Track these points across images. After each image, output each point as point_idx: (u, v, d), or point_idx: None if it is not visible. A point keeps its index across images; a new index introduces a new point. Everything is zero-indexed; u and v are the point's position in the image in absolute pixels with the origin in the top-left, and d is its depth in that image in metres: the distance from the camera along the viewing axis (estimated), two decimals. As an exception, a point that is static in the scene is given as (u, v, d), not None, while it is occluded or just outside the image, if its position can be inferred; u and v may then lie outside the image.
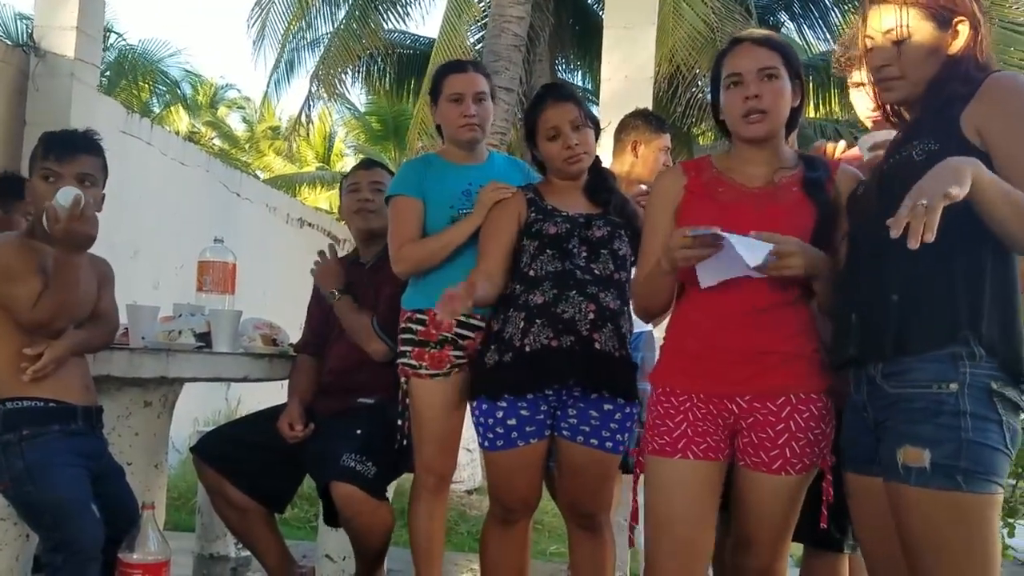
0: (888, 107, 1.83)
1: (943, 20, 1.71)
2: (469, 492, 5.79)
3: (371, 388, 2.71)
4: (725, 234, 1.77)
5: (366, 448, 2.55)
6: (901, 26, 1.73)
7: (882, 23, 1.75)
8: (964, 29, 1.71)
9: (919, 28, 1.72)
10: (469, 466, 5.80)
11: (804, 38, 10.85)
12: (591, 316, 2.30)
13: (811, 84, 9.83)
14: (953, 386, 1.58)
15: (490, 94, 2.62)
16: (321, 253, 2.95)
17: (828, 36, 10.62)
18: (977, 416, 1.56)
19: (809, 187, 1.94)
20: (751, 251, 1.76)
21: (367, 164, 3.06)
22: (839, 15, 10.55)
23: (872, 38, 1.77)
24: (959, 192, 1.42)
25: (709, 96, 2.08)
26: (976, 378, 1.57)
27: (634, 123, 3.15)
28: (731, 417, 1.93)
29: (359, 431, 2.60)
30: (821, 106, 10.23)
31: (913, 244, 1.38)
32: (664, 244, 1.90)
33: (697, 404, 1.94)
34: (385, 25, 9.35)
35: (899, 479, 1.60)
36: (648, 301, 2.07)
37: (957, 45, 1.71)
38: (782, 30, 10.88)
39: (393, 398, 2.58)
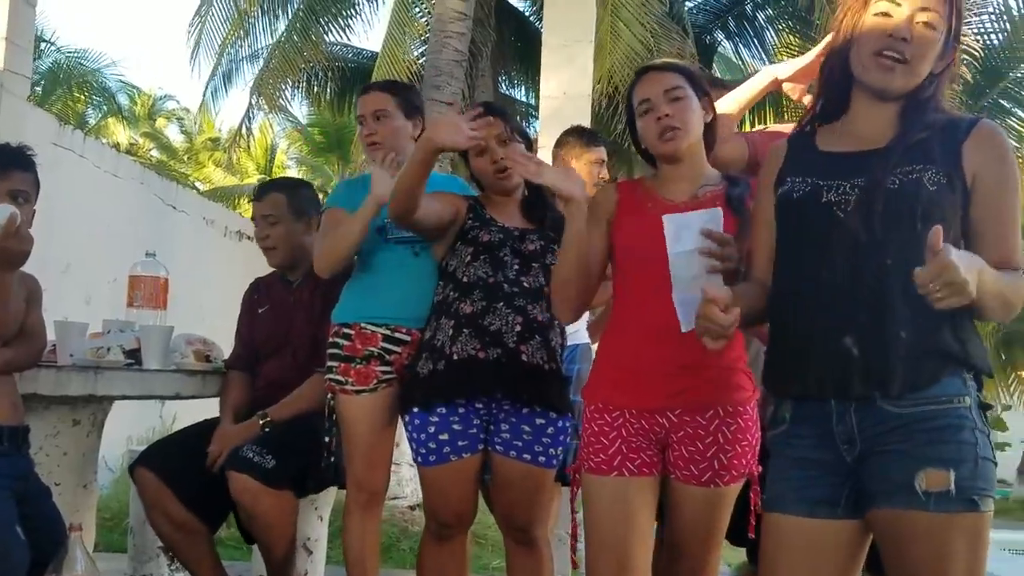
0: (823, 100, 1.72)
1: (952, 34, 1.62)
2: (412, 508, 5.77)
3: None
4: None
5: (267, 441, 2.56)
6: (936, 12, 1.60)
7: None
8: (954, 57, 1.66)
9: (941, 27, 1.61)
10: (411, 481, 5.77)
11: (740, 57, 11.12)
12: (518, 328, 2.34)
13: (746, 102, 10.03)
14: (968, 400, 1.55)
15: (404, 110, 2.61)
16: None
17: (763, 55, 10.89)
18: (983, 431, 1.55)
19: (732, 202, 2.02)
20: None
21: (259, 193, 2.98)
22: (774, 34, 10.83)
23: (898, 5, 1.60)
24: (968, 302, 1.42)
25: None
26: (974, 391, 1.58)
27: (567, 139, 3.23)
28: (662, 431, 1.99)
29: (267, 429, 2.62)
30: (756, 123, 10.48)
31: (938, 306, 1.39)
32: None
33: (629, 420, 1.99)
34: (327, 38, 9.31)
35: (914, 506, 1.50)
36: (562, 296, 2.10)
37: (942, 65, 1.64)
38: (718, 49, 11.14)
39: (323, 411, 2.57)
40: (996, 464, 1.59)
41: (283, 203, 2.86)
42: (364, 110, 2.62)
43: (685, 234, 1.86)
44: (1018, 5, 10.45)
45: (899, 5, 1.59)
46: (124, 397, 2.70)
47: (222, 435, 2.72)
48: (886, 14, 1.60)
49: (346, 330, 2.52)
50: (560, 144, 3.26)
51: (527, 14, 9.52)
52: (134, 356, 2.71)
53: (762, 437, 1.99)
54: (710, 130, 2.09)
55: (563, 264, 2.07)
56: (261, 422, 2.66)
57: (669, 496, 2.03)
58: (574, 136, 3.24)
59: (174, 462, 2.72)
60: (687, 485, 1.99)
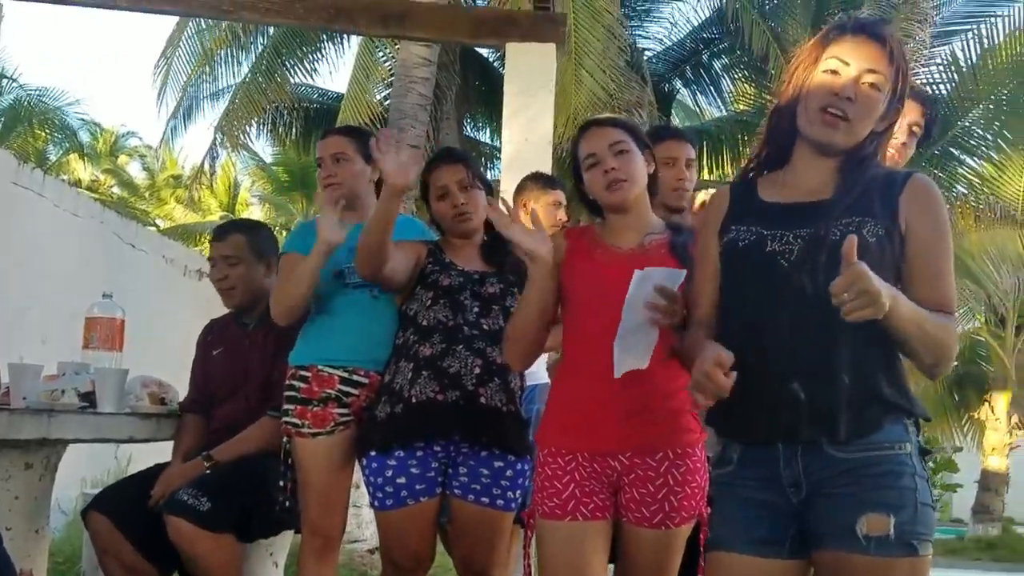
0: (762, 155, 1.79)
1: (897, 95, 1.68)
2: (371, 551, 5.71)
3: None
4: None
5: (205, 483, 2.54)
6: (882, 75, 1.65)
7: (864, 58, 1.64)
8: (898, 119, 1.71)
9: (886, 88, 1.66)
10: (371, 524, 5.72)
11: (697, 104, 11.41)
12: (477, 371, 2.37)
13: (704, 148, 10.31)
14: (908, 446, 1.60)
15: (362, 154, 2.63)
16: None
17: (720, 102, 11.18)
18: (922, 476, 1.60)
19: (675, 250, 2.10)
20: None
21: (219, 233, 2.98)
22: (730, 82, 11.13)
23: (846, 64, 1.65)
24: (880, 315, 1.48)
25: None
26: (914, 437, 1.62)
27: (525, 184, 3.30)
28: (614, 474, 2.03)
29: (209, 471, 2.61)
30: (715, 169, 10.71)
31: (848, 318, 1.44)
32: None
33: (582, 463, 2.03)
34: (292, 79, 9.38)
35: (856, 549, 1.55)
36: (516, 340, 2.15)
37: (884, 124, 1.70)
38: (677, 96, 11.41)
39: (277, 453, 2.57)
40: (935, 509, 1.65)
41: (244, 244, 2.87)
42: (323, 152, 2.67)
43: (646, 286, 1.91)
44: (965, 56, 10.88)
45: (847, 64, 1.65)
46: (78, 440, 2.67)
47: (166, 477, 2.70)
48: (835, 72, 1.66)
49: (303, 372, 2.53)
50: (519, 189, 3.33)
51: (491, 60, 9.67)
52: (89, 399, 2.69)
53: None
54: (653, 181, 2.18)
55: (522, 319, 2.12)
56: (205, 464, 2.65)
57: (621, 539, 2.07)
58: (532, 180, 3.31)
59: (126, 506, 2.68)
60: (639, 527, 2.03)
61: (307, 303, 2.55)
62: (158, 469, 2.83)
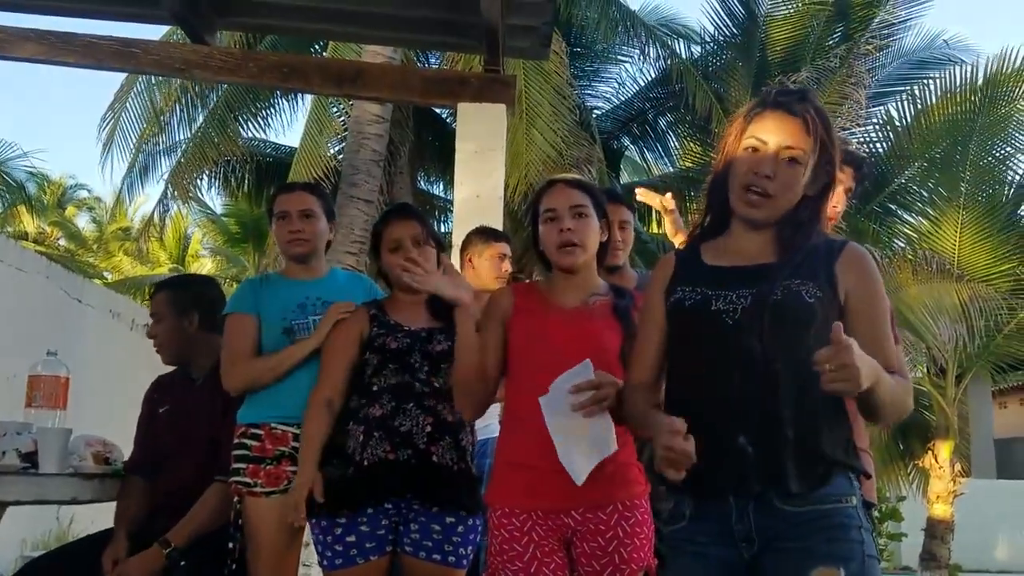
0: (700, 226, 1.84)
1: (826, 163, 1.72)
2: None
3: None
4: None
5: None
6: (800, 148, 1.70)
7: (781, 134, 1.70)
8: (833, 181, 1.76)
9: (806, 159, 1.71)
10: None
11: (644, 160, 11.68)
12: (428, 429, 2.38)
13: (652, 203, 10.49)
14: (854, 499, 1.65)
15: (325, 213, 2.70)
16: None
17: (667, 158, 11.45)
18: (867, 529, 1.65)
19: (618, 312, 2.17)
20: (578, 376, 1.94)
21: (154, 290, 3.04)
22: (675, 139, 11.42)
23: (765, 143, 1.71)
24: (855, 392, 1.52)
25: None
26: (859, 491, 1.67)
27: (470, 239, 3.36)
28: (567, 531, 2.07)
29: (183, 563, 2.54)
30: (663, 223, 10.90)
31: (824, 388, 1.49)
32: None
33: (537, 522, 2.06)
34: (244, 134, 9.41)
35: None
36: (463, 392, 2.22)
37: (816, 187, 1.74)
38: (625, 153, 11.69)
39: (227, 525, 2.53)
40: (880, 561, 1.72)
41: (164, 300, 2.89)
42: (289, 207, 2.67)
43: (558, 397, 1.96)
44: (899, 116, 11.31)
45: (765, 142, 1.73)
46: (18, 503, 2.61)
47: (124, 570, 2.56)
48: (755, 149, 1.74)
49: (254, 430, 2.52)
50: (464, 245, 3.39)
51: (444, 116, 9.82)
52: (30, 459, 2.64)
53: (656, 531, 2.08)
54: (603, 248, 2.25)
55: (460, 366, 2.18)
56: (165, 551, 2.55)
57: None
58: (476, 235, 3.37)
59: None
60: None
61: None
62: (99, 537, 2.75)
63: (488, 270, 3.23)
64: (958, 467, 11.43)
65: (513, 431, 2.17)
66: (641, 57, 10.75)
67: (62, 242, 18.31)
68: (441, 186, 10.96)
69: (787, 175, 1.72)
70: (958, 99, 10.80)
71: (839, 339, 1.47)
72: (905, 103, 11.20)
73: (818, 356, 1.49)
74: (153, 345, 2.90)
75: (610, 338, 2.13)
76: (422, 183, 10.72)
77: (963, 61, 10.87)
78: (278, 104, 9.60)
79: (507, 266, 3.32)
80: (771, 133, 1.72)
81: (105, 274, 17.69)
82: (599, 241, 2.22)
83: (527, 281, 2.43)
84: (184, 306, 2.87)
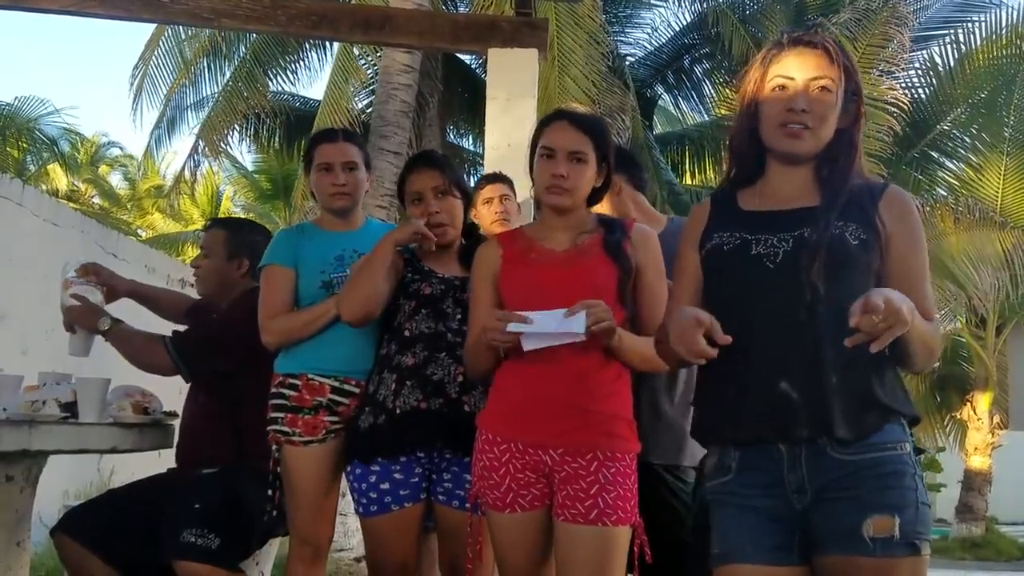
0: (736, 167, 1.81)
1: (853, 92, 1.72)
2: (357, 560, 5.68)
3: (212, 459, 2.71)
4: (536, 315, 1.97)
5: (205, 520, 2.52)
6: (828, 78, 1.69)
7: (807, 68, 1.69)
8: (862, 113, 1.75)
9: (836, 89, 1.70)
10: (358, 532, 5.69)
11: (679, 109, 11.47)
12: (460, 378, 2.36)
13: (686, 153, 10.37)
14: (907, 446, 1.63)
15: (364, 163, 2.66)
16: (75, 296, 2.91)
17: (701, 107, 11.23)
18: (920, 476, 1.64)
19: (609, 248, 2.13)
20: (568, 324, 1.95)
21: (207, 225, 3.16)
22: (711, 87, 11.19)
23: (792, 79, 1.69)
24: (907, 329, 1.52)
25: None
26: (910, 438, 1.66)
27: (478, 185, 3.30)
28: (546, 468, 2.08)
29: (196, 505, 2.57)
30: (697, 174, 10.76)
31: (874, 349, 1.49)
32: (484, 323, 2.08)
33: (515, 454, 2.09)
34: (272, 86, 9.35)
35: (861, 552, 1.56)
36: (473, 369, 2.24)
37: (848, 120, 1.73)
38: (659, 102, 11.47)
39: (234, 466, 2.60)
40: (931, 508, 1.67)
41: (220, 239, 2.93)
42: (332, 158, 2.59)
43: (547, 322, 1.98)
44: (943, 61, 11.00)
45: (792, 78, 1.70)
46: (59, 451, 2.64)
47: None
48: (783, 87, 1.70)
49: (293, 380, 2.52)
50: (475, 193, 3.34)
51: (473, 66, 9.68)
52: (70, 409, 2.66)
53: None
54: (596, 192, 2.20)
55: (477, 351, 2.18)
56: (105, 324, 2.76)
57: (561, 540, 2.08)
58: (483, 180, 3.34)
59: (101, 526, 2.65)
60: (575, 525, 2.05)
61: None
62: (135, 485, 2.81)
63: (484, 216, 3.19)
64: (997, 419, 11.32)
65: (510, 368, 2.15)
66: (676, 1, 10.52)
67: (96, 200, 18.48)
68: (471, 139, 10.86)
69: (821, 105, 1.69)
70: (1003, 42, 10.51)
71: (875, 304, 1.46)
72: (948, 47, 10.90)
73: (861, 323, 1.47)
74: (193, 274, 3.00)
75: (605, 276, 2.10)
76: (451, 136, 10.61)
77: (1007, 3, 10.53)
78: (307, 57, 9.52)
79: (510, 208, 3.22)
80: (796, 69, 1.70)
81: (139, 232, 17.87)
82: (591, 185, 2.17)
83: (515, 229, 2.38)
84: (237, 249, 2.91)
